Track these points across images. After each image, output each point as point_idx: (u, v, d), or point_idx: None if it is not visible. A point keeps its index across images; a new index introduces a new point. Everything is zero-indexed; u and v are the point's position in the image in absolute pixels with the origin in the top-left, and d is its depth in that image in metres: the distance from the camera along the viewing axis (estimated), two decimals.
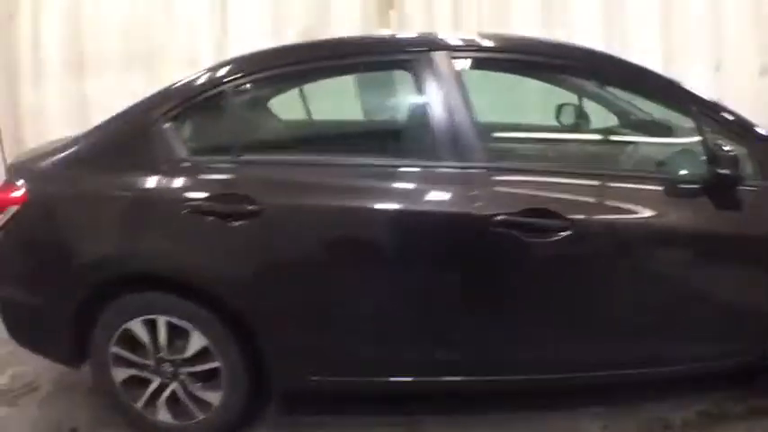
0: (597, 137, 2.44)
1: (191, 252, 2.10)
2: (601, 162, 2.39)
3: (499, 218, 1.97)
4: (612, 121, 2.61)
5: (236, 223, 2.04)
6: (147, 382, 2.24)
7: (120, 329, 2.19)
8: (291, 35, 4.31)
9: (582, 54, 2.29)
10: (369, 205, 2.05)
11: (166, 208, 2.11)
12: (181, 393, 2.22)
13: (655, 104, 2.36)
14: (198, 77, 2.21)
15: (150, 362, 2.22)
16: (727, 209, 2.01)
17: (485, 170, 2.03)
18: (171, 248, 2.12)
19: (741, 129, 2.09)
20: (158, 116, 2.17)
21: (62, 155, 2.28)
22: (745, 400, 2.31)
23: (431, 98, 2.08)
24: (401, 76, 2.17)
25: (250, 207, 2.03)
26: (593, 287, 2.10)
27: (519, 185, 2.06)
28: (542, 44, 2.32)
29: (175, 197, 2.10)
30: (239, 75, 2.17)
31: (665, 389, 2.36)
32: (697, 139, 2.00)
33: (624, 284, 2.09)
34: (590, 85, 2.54)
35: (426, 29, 4.41)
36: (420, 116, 2.12)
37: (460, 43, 2.17)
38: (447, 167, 2.05)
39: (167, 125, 2.16)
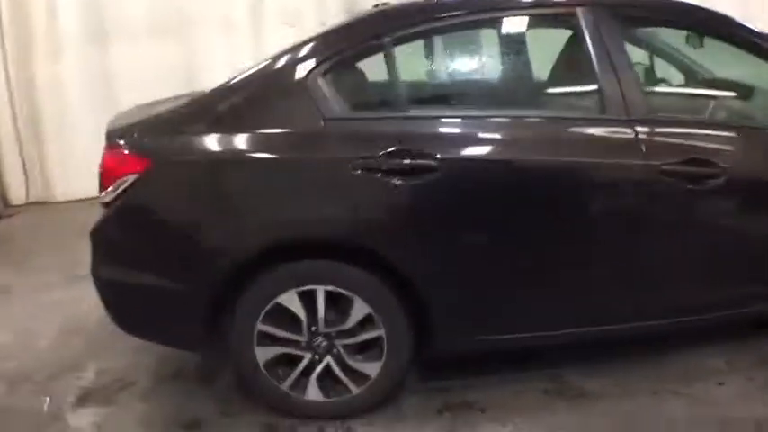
0: (725, 92, 2.53)
1: (362, 213, 1.97)
2: (728, 114, 2.45)
3: (665, 167, 2.01)
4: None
5: (410, 180, 1.94)
6: (295, 360, 2.09)
7: (271, 304, 2.02)
8: None
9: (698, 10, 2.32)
10: (542, 158, 2.03)
11: (331, 168, 1.96)
12: (335, 368, 2.09)
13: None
14: (349, 29, 2.06)
15: (302, 337, 2.07)
16: None
17: (646, 122, 2.06)
18: (340, 211, 1.98)
19: None
20: (310, 71, 2.00)
21: (187, 117, 2.06)
22: None
23: (594, 53, 2.06)
24: (560, 29, 2.15)
25: (426, 163, 1.93)
26: (735, 232, 2.18)
27: (677, 136, 2.12)
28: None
29: (342, 156, 1.95)
30: (398, 25, 2.06)
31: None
32: None
33: (758, 228, 2.21)
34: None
35: None
36: (584, 70, 2.10)
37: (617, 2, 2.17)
38: (611, 120, 2.06)
39: (321, 80, 2.00)
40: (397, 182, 1.93)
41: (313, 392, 2.11)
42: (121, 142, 2.04)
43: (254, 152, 1.99)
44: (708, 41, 2.34)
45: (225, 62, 4.55)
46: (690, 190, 2.04)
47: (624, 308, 2.16)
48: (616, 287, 2.14)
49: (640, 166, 2.01)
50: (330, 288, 2.01)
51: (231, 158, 1.99)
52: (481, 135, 2.05)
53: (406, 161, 1.92)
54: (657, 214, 2.07)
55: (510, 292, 2.10)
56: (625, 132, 2.03)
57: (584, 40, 2.06)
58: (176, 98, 2.32)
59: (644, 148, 2.02)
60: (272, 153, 1.98)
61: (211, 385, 2.40)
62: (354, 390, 2.11)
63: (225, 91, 2.08)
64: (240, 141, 1.99)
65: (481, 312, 2.10)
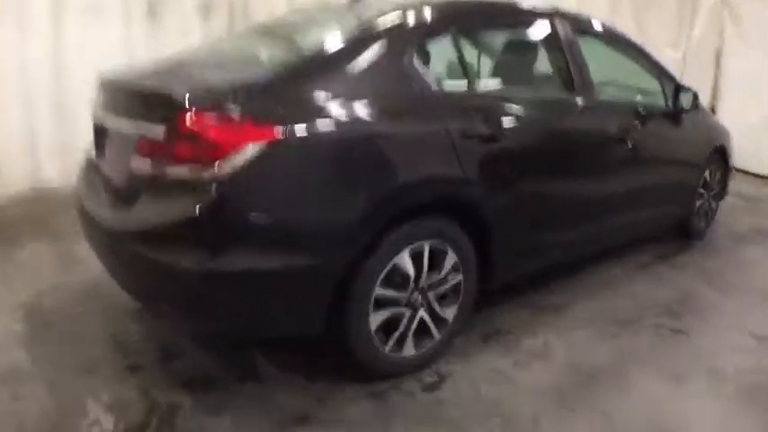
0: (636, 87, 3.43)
1: (464, 173, 2.20)
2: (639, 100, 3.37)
3: (610, 134, 2.88)
4: None
5: (489, 144, 2.29)
6: (397, 320, 2.18)
7: (389, 266, 2.08)
8: None
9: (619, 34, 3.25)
10: (563, 126, 2.68)
11: (442, 136, 2.14)
12: (427, 318, 2.27)
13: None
14: (439, 13, 2.31)
15: (405, 295, 2.18)
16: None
17: (599, 104, 2.90)
18: (452, 172, 2.17)
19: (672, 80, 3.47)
20: (408, 48, 2.14)
21: (302, 81, 1.95)
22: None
23: (568, 50, 2.78)
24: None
25: (497, 130, 2.31)
26: (642, 178, 3.16)
27: (614, 114, 2.97)
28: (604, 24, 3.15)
29: (450, 126, 2.15)
30: (469, 16, 2.44)
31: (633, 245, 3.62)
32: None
33: (655, 172, 3.27)
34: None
35: None
36: (562, 62, 2.77)
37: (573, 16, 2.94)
38: (583, 102, 2.78)
39: (417, 57, 2.16)
40: (484, 145, 2.26)
41: (409, 348, 2.24)
42: (233, 107, 1.77)
43: (381, 122, 2.00)
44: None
45: (16, 57, 3.95)
46: (625, 146, 2.94)
47: (605, 230, 3.00)
48: (603, 214, 2.94)
49: (602, 132, 2.84)
50: (434, 243, 2.18)
51: (362, 128, 1.96)
52: (523, 109, 2.49)
53: (486, 129, 2.28)
54: (611, 161, 2.91)
55: (545, 227, 2.63)
56: (588, 108, 2.80)
57: (561, 41, 2.76)
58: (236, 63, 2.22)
59: (599, 119, 2.85)
60: (396, 123, 2.04)
61: (265, 381, 2.22)
62: (437, 335, 2.32)
63: (331, 58, 2.04)
64: (366, 111, 1.98)
65: (526, 247, 2.57)
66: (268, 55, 2.32)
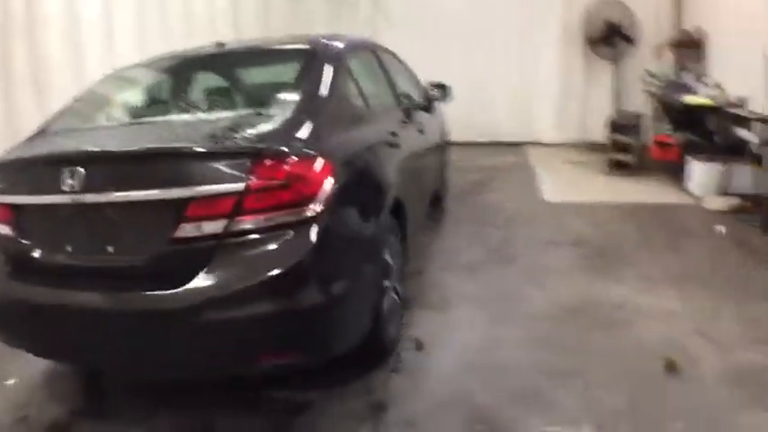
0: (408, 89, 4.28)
1: (395, 176, 2.92)
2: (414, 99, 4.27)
3: (418, 127, 3.92)
4: None
5: (396, 150, 3.06)
6: (382, 303, 2.72)
7: (385, 259, 2.68)
8: None
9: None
10: (407, 128, 3.59)
11: (382, 146, 2.89)
12: (397, 298, 2.93)
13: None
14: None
15: (391, 282, 2.79)
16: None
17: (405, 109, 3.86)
18: (393, 176, 2.87)
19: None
20: (346, 74, 2.87)
21: (317, 119, 2.37)
22: None
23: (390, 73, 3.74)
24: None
25: (396, 138, 3.11)
26: (428, 157, 4.27)
27: (409, 110, 3.90)
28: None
29: (380, 137, 2.94)
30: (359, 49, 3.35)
31: None
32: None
33: (430, 152, 4.36)
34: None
35: None
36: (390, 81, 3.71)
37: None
38: (402, 108, 3.77)
39: (348, 82, 2.89)
40: (394, 151, 3.03)
41: (389, 328, 2.82)
42: (308, 150, 2.15)
43: (369, 136, 2.77)
44: None
45: None
46: (421, 135, 4.00)
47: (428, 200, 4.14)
48: (424, 189, 4.02)
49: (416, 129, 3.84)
50: (393, 236, 2.87)
51: (366, 144, 2.66)
52: (392, 119, 3.44)
53: (394, 139, 3.11)
54: (418, 147, 3.88)
55: (417, 206, 3.57)
56: (405, 111, 3.77)
57: (386, 67, 3.67)
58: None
59: (413, 117, 3.86)
60: (372, 136, 2.82)
61: (317, 403, 2.52)
62: (401, 310, 3.01)
63: (312, 91, 2.54)
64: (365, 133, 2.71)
65: (414, 226, 3.42)
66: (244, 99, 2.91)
